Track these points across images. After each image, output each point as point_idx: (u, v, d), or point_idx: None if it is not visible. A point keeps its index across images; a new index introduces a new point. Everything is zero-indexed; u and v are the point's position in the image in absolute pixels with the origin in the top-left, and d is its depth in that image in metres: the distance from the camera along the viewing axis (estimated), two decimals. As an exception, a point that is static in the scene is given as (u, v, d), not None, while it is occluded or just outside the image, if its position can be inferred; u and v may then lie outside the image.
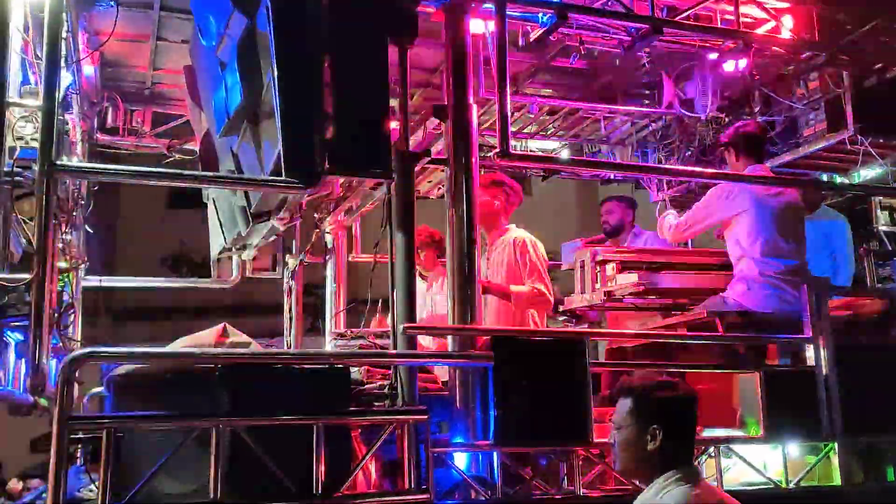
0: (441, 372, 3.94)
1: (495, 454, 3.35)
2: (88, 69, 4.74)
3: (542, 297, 4.32)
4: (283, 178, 3.24)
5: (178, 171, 4.04)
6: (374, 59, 3.42)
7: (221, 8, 3.82)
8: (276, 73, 3.30)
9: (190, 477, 3.04)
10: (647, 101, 5.54)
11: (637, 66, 5.20)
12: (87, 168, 3.28)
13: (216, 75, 4.15)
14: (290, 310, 5.67)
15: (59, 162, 2.96)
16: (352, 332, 4.56)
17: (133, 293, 12.36)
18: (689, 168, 5.08)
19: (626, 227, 5.55)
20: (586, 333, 3.72)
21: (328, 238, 5.75)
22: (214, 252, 5.61)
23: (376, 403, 3.37)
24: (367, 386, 3.40)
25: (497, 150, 3.54)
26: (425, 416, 3.21)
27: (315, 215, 5.52)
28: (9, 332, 3.08)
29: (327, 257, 5.78)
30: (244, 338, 3.31)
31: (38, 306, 2.83)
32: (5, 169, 2.88)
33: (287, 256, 5.72)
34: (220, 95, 4.02)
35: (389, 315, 4.96)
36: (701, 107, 4.87)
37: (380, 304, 4.57)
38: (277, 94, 3.29)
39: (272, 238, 5.19)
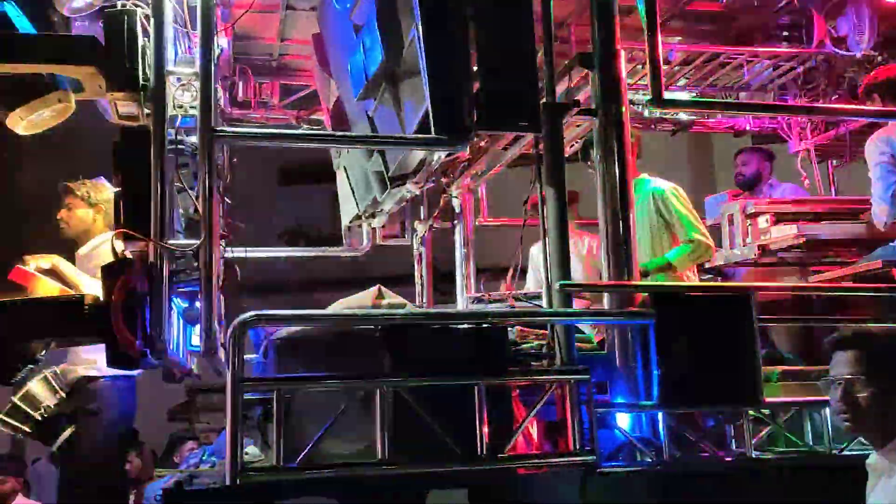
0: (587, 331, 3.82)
1: (660, 415, 3.22)
2: (222, 42, 4.80)
3: (703, 246, 4.08)
4: (433, 135, 3.18)
5: (332, 133, 4.04)
6: (519, 10, 3.30)
7: (356, -31, 3.78)
8: (420, 29, 3.22)
9: (354, 438, 3.06)
10: (785, 43, 5.20)
11: (778, 5, 4.87)
12: (245, 133, 3.31)
13: (350, 40, 4.12)
14: (421, 276, 5.66)
15: (218, 128, 2.99)
16: (489, 295, 4.49)
17: (249, 268, 12.72)
18: (852, 106, 4.67)
19: (763, 179, 5.25)
20: (752, 287, 3.50)
21: (455, 202, 5.69)
22: (345, 220, 5.66)
23: (533, 363, 3.30)
24: (522, 346, 3.32)
25: (649, 96, 3.36)
26: (587, 376, 3.11)
27: (442, 179, 5.46)
28: (175, 300, 3.16)
29: (455, 222, 5.72)
30: (399, 299, 3.29)
31: (208, 271, 2.88)
32: (168, 137, 2.92)
33: (415, 222, 5.70)
34: (356, 59, 3.99)
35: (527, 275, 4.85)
36: (855, 44, 4.50)
37: (514, 270, 4.52)
38: (422, 51, 3.22)
39: (402, 204, 5.18)
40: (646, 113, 5.26)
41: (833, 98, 5.35)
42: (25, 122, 3.03)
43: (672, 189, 4.23)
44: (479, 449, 2.97)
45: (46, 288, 3.24)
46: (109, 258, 3.80)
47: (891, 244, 3.92)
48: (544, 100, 3.36)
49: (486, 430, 2.98)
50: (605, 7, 3.48)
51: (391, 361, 3.02)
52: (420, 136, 3.27)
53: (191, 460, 3.92)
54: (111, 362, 2.79)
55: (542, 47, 3.42)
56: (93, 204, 4.05)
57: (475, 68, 3.26)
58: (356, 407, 2.97)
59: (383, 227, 5.65)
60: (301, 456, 2.86)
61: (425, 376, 2.98)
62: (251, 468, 2.82)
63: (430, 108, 3.18)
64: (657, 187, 4.24)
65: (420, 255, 5.70)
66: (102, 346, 3.58)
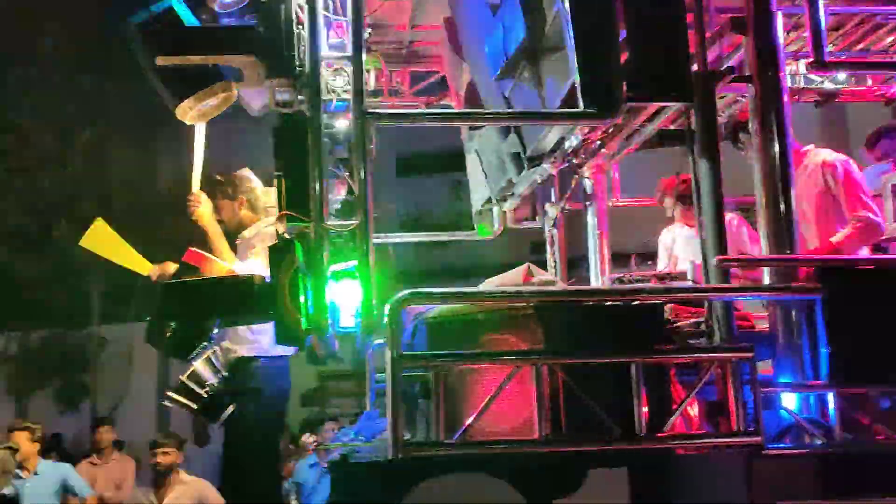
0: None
1: (831, 395, 3.05)
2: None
3: (872, 225, 3.83)
4: (581, 109, 3.12)
5: (481, 111, 4.05)
6: (668, -24, 3.19)
7: (494, -53, 3.75)
8: (566, 2, 3.17)
9: (508, 416, 3.05)
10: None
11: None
12: (398, 113, 3.37)
13: (487, 20, 4.10)
14: (554, 259, 5.59)
15: (370, 110, 3.04)
16: (630, 276, 4.38)
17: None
18: None
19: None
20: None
21: (587, 183, 5.58)
22: (476, 205, 5.66)
23: (690, 342, 3.19)
24: (678, 324, 3.22)
25: (810, 59, 3.18)
26: (750, 354, 2.98)
27: (573, 160, 5.36)
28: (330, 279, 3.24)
29: (588, 203, 5.62)
30: (549, 276, 3.26)
31: (364, 251, 2.95)
32: (324, 122, 2.99)
33: (546, 205, 5.63)
34: (494, 39, 3.96)
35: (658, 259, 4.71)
36: None
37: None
38: (568, 24, 3.16)
39: (535, 186, 5.13)
40: (789, 81, 4.97)
41: None
42: (193, 111, 3.19)
43: (843, 161, 3.97)
44: (637, 428, 2.91)
45: (218, 269, 3.41)
46: (258, 242, 3.98)
47: None
48: (695, 68, 3.24)
49: (643, 409, 2.91)
50: (758, -33, 3.32)
51: (544, 339, 3.00)
52: (568, 110, 3.22)
53: (341, 439, 4.03)
54: (279, 339, 2.89)
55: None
56: (234, 197, 4.21)
57: (622, 38, 3.18)
58: (510, 384, 2.97)
59: (514, 210, 5.61)
60: (459, 432, 2.89)
61: (581, 354, 2.94)
62: (412, 443, 2.87)
63: (577, 82, 3.13)
64: (826, 158, 3.99)
65: (552, 237, 5.63)
66: (260, 327, 3.78)
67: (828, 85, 5.44)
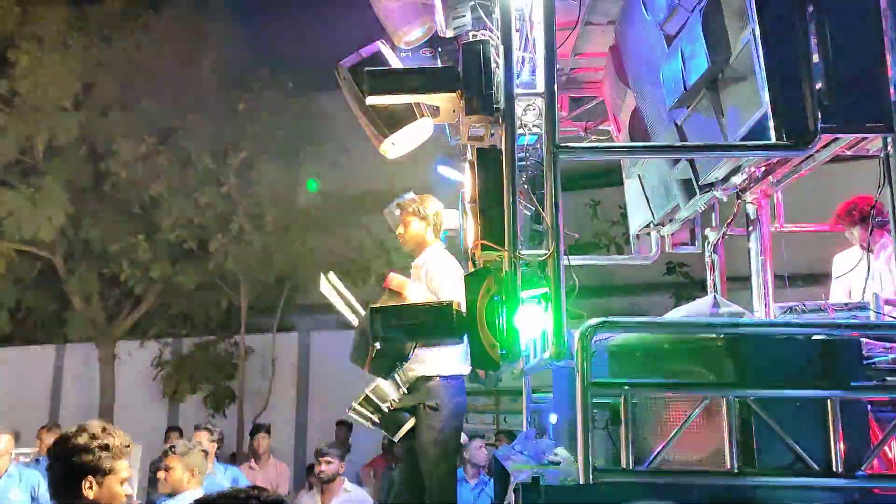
0: None
1: None
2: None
3: None
4: (774, 141, 3.11)
5: (672, 143, 4.10)
6: (864, 2, 3.14)
7: (674, -21, 3.79)
8: (757, 31, 3.18)
9: (697, 446, 3.07)
10: None
11: None
12: (589, 147, 3.48)
13: (661, 49, 4.14)
14: (714, 284, 5.52)
15: (561, 144, 3.15)
16: (805, 304, 4.27)
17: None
18: None
19: None
20: None
21: (750, 209, 5.48)
22: (634, 229, 5.67)
23: (888, 378, 3.10)
24: (875, 359, 3.14)
25: None
26: (955, 394, 2.87)
27: (735, 185, 5.28)
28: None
29: (750, 229, 5.51)
30: (736, 308, 3.25)
31: (557, 280, 3.05)
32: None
33: (706, 230, 5.57)
34: (671, 69, 4.00)
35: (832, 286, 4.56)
36: None
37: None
38: (759, 53, 3.17)
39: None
40: None
41: None
42: (396, 146, 3.40)
43: None
44: (834, 465, 2.86)
45: (418, 293, 3.60)
46: (443, 267, 4.16)
47: None
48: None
49: (840, 445, 2.86)
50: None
51: (736, 370, 3.00)
52: (761, 142, 3.21)
53: (506, 457, 4.12)
54: (474, 363, 3.03)
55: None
56: (423, 217, 4.38)
57: (816, 66, 3.15)
58: (699, 415, 2.99)
59: (673, 234, 5.59)
60: (650, 459, 2.93)
61: (773, 387, 2.93)
62: (604, 469, 2.94)
63: (769, 112, 3.12)
64: None
65: (713, 262, 5.56)
66: (440, 348, 3.95)
67: None
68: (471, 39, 3.11)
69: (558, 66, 5.54)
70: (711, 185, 4.29)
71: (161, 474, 5.19)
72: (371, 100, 3.19)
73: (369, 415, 3.91)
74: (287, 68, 12.85)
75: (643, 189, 5.09)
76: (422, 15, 3.57)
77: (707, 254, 5.57)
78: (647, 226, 5.40)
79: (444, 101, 3.23)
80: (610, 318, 3.01)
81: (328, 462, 5.75)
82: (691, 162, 4.23)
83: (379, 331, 3.22)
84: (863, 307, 3.83)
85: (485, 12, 3.52)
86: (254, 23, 13.74)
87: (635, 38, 4.52)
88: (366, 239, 12.48)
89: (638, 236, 5.66)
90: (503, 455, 4.50)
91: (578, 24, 4.93)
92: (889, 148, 3.19)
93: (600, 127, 5.77)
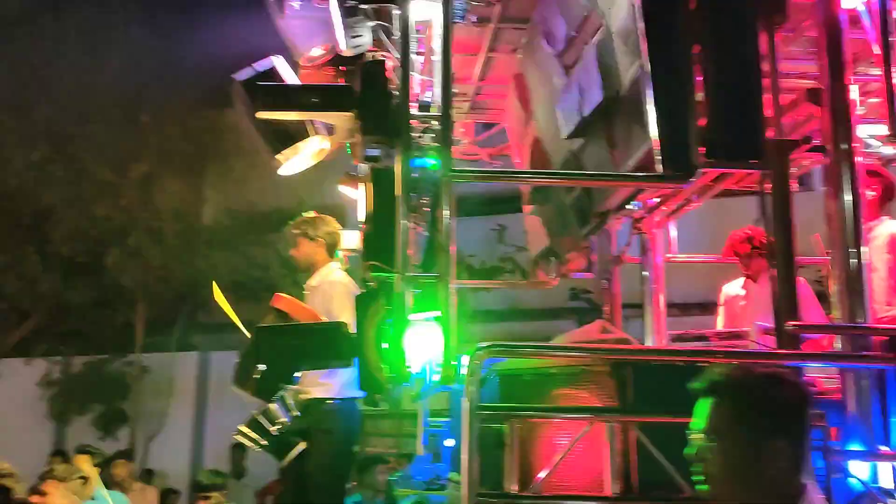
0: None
1: (902, 465, 3.06)
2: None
3: None
4: (658, 173, 3.21)
5: (563, 171, 4.16)
6: (745, 45, 3.30)
7: (572, 13, 3.90)
8: (645, 67, 3.28)
9: (580, 471, 3.10)
10: None
11: None
12: (482, 172, 3.49)
13: (560, 80, 4.24)
14: (610, 310, 5.65)
15: (454, 168, 3.16)
16: (691, 332, 4.42)
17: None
18: None
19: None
20: None
21: (645, 238, 5.65)
22: (534, 253, 5.76)
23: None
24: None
25: (888, 133, 3.25)
26: (824, 421, 3.01)
27: (630, 215, 5.45)
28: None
29: (644, 257, 5.68)
30: (622, 334, 3.32)
31: (446, 302, 3.04)
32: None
33: (603, 257, 5.70)
34: (568, 99, 4.10)
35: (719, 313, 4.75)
36: None
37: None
38: (649, 88, 3.27)
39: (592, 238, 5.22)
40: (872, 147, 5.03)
41: None
42: (290, 162, 3.34)
43: None
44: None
45: (307, 314, 3.52)
46: (335, 289, 4.10)
47: None
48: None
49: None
50: (835, 38, 3.41)
51: (618, 396, 3.06)
52: (645, 173, 3.31)
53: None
54: (362, 386, 2.98)
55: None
56: (313, 237, 4.33)
57: (699, 104, 3.28)
58: (582, 439, 3.03)
59: (571, 261, 5.69)
60: (535, 484, 2.94)
61: (654, 413, 2.99)
62: (487, 493, 2.93)
63: (654, 146, 3.22)
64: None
65: (607, 290, 5.69)
66: (333, 370, 3.88)
67: (885, 150, 5.51)
68: (370, 60, 3.10)
69: (463, 91, 5.62)
70: (606, 214, 4.40)
71: (36, 499, 4.90)
72: (263, 114, 3.13)
73: (257, 438, 3.79)
74: (196, 81, 12.54)
75: (542, 216, 5.18)
76: (324, 33, 3.54)
77: (602, 281, 5.70)
78: (546, 252, 5.49)
79: (340, 120, 3.20)
80: (498, 342, 3.02)
81: (205, 498, 5.53)
82: (587, 190, 4.33)
83: (264, 352, 3.14)
84: (743, 335, 4.00)
85: (386, 33, 3.52)
86: (164, 32, 13.35)
87: (537, 68, 4.61)
88: (272, 258, 12.24)
89: (537, 262, 5.74)
90: (398, 480, 4.46)
91: (482, 51, 5.01)
92: (765, 183, 3.34)
93: (505, 153, 5.85)
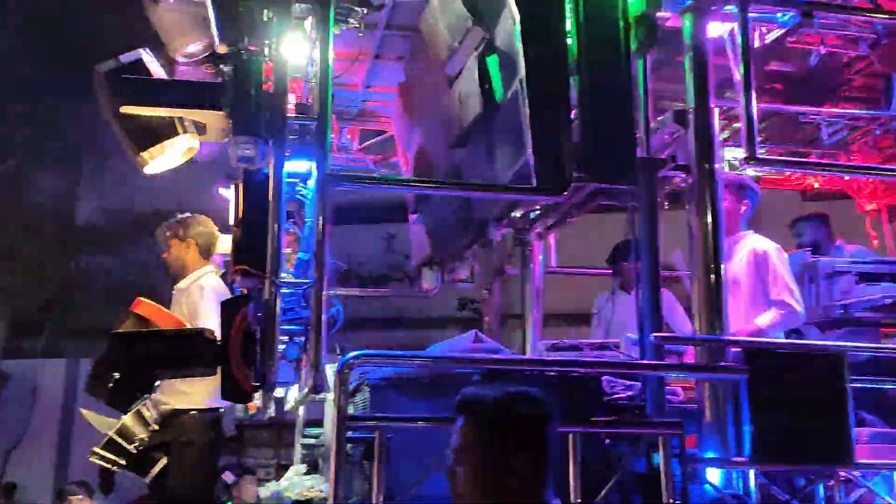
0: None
1: (752, 472, 3.22)
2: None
3: (793, 314, 4.08)
4: (533, 185, 3.27)
5: (440, 181, 4.16)
6: (619, 66, 3.42)
7: (455, 24, 3.92)
8: (523, 83, 3.34)
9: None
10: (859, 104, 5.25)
11: (858, 67, 4.92)
12: (359, 177, 3.43)
13: (443, 90, 4.26)
14: (489, 321, 5.71)
15: (330, 172, 3.11)
16: (564, 342, 4.52)
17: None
18: None
19: (822, 244, 5.24)
20: (847, 347, 3.51)
21: (526, 249, 5.75)
22: (417, 262, 5.75)
23: (623, 415, 3.32)
24: (614, 396, 3.35)
25: (745, 155, 3.43)
26: (680, 430, 3.13)
27: (515, 226, 5.53)
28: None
29: (525, 269, 5.77)
30: (494, 344, 3.35)
31: (319, 310, 2.98)
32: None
33: (484, 267, 5.76)
34: (450, 108, 4.12)
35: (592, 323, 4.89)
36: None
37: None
38: (525, 103, 3.33)
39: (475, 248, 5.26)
40: (725, 168, 5.32)
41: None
42: (155, 161, 3.19)
43: (775, 249, 4.22)
44: (572, 497, 2.99)
45: (170, 320, 3.36)
46: (203, 293, 3.95)
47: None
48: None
49: (578, 479, 3.01)
50: (701, 65, 3.58)
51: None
52: (520, 186, 3.37)
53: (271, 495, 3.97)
54: (224, 395, 2.87)
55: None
56: (183, 239, 4.18)
57: (574, 121, 3.37)
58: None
59: (453, 270, 5.72)
60: (398, 495, 2.91)
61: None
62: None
63: (531, 159, 3.28)
64: (756, 246, 4.25)
65: (488, 300, 5.75)
66: (193, 379, 3.73)
67: (750, 171, 5.85)
68: (243, 57, 3.00)
69: (350, 97, 5.57)
70: (486, 224, 4.44)
71: None
72: (126, 109, 2.98)
73: (115, 458, 3.59)
74: (76, 73, 11.87)
75: (425, 223, 5.18)
76: (200, 28, 3.41)
77: (483, 291, 5.76)
78: (428, 261, 5.49)
79: (211, 118, 3.09)
80: (368, 352, 2.98)
81: (79, 500, 5.24)
82: (468, 200, 4.36)
83: (119, 359, 2.97)
84: (614, 345, 4.12)
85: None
86: (38, 19, 12.57)
87: (421, 77, 4.62)
88: (151, 259, 11.73)
89: (420, 271, 5.73)
90: (272, 492, 4.34)
91: (369, 57, 4.97)
92: (634, 199, 3.46)
93: (391, 161, 5.83)
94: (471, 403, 1.90)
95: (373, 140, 5.84)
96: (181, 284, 4.07)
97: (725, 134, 5.29)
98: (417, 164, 4.91)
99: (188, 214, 4.27)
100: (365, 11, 3.70)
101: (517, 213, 4.41)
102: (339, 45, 4.67)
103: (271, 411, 4.17)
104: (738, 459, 3.22)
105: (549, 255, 5.98)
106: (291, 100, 4.00)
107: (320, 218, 2.99)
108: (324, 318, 2.97)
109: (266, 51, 3.15)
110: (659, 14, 3.61)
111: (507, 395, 1.90)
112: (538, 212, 5.35)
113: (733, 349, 3.36)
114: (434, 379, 3.20)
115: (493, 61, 3.69)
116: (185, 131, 3.19)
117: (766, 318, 4.05)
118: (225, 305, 2.94)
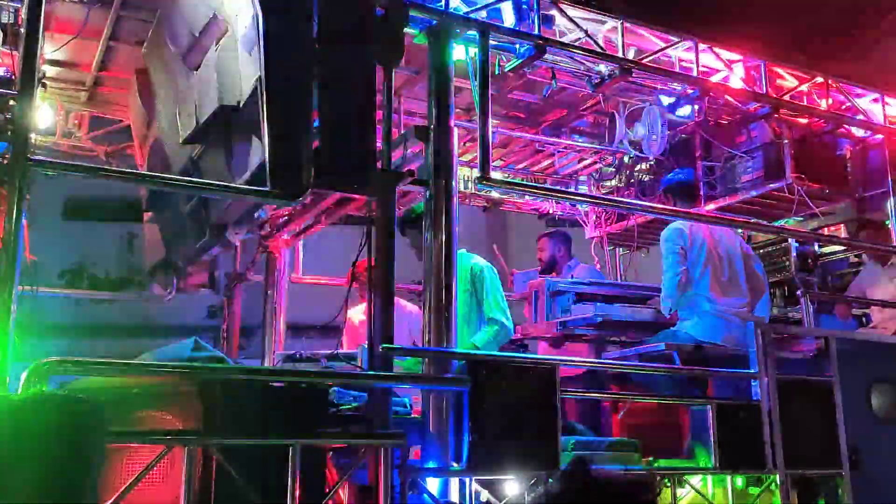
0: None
1: (468, 480, 3.32)
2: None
3: (506, 329, 4.32)
4: (267, 188, 3.14)
5: (163, 175, 3.85)
6: (363, 77, 3.40)
7: (198, 14, 3.70)
8: (263, 82, 3.21)
9: (153, 499, 2.86)
10: (579, 138, 5.76)
11: (589, 104, 5.38)
12: (68, 165, 3.04)
13: (183, 81, 3.99)
14: (227, 329, 5.45)
15: (34, 157, 2.76)
16: (301, 353, 4.42)
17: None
18: (669, 207, 5.00)
19: (559, 261, 5.68)
20: (560, 361, 3.75)
21: (271, 256, 5.57)
22: (150, 264, 5.35)
23: (351, 426, 3.28)
24: (341, 407, 3.30)
25: (478, 174, 3.57)
26: (403, 441, 3.15)
27: (259, 232, 5.35)
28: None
29: (268, 276, 5.59)
30: (218, 353, 3.16)
31: (6, 311, 2.61)
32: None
33: (224, 274, 5.50)
34: (188, 102, 3.87)
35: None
36: (650, 148, 5.07)
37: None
38: (265, 104, 3.20)
39: (214, 253, 5.01)
40: (461, 187, 5.55)
41: (626, 192, 5.93)
42: None
43: (489, 268, 4.47)
44: (284, 510, 2.89)
45: None
46: None
47: (671, 329, 4.40)
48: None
49: (297, 492, 2.91)
50: (442, 85, 3.68)
51: (205, 419, 2.88)
52: (254, 188, 3.22)
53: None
54: None
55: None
56: None
57: (315, 127, 3.29)
58: (166, 463, 2.80)
59: (191, 275, 5.40)
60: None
61: (240, 434, 2.88)
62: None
63: (267, 161, 3.16)
64: (476, 264, 4.46)
65: (227, 307, 5.50)
66: None
67: (494, 194, 6.18)
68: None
69: (80, 79, 5.06)
70: (223, 227, 4.22)
71: None
72: None
73: None
74: None
75: (159, 222, 4.83)
76: None
77: (223, 298, 5.51)
78: (163, 264, 5.14)
79: None
80: (67, 358, 2.67)
81: None
82: (204, 201, 4.12)
83: None
84: (353, 357, 4.09)
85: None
86: None
87: (161, 66, 4.31)
88: None
89: (153, 272, 5.34)
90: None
91: (102, 38, 4.55)
92: (373, 210, 3.46)
93: (127, 152, 5.39)
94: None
95: (105, 129, 5.35)
96: None
97: (472, 154, 5.55)
98: (152, 156, 4.57)
99: None
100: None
101: (260, 217, 4.25)
102: (64, 21, 4.25)
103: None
104: (455, 468, 3.30)
105: (296, 264, 5.87)
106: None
107: (16, 205, 2.63)
108: (11, 318, 2.61)
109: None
110: (406, 31, 3.66)
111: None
112: (285, 218, 5.23)
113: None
114: (149, 388, 2.95)
115: (234, 55, 3.51)
116: None
117: (481, 336, 4.31)
118: None
